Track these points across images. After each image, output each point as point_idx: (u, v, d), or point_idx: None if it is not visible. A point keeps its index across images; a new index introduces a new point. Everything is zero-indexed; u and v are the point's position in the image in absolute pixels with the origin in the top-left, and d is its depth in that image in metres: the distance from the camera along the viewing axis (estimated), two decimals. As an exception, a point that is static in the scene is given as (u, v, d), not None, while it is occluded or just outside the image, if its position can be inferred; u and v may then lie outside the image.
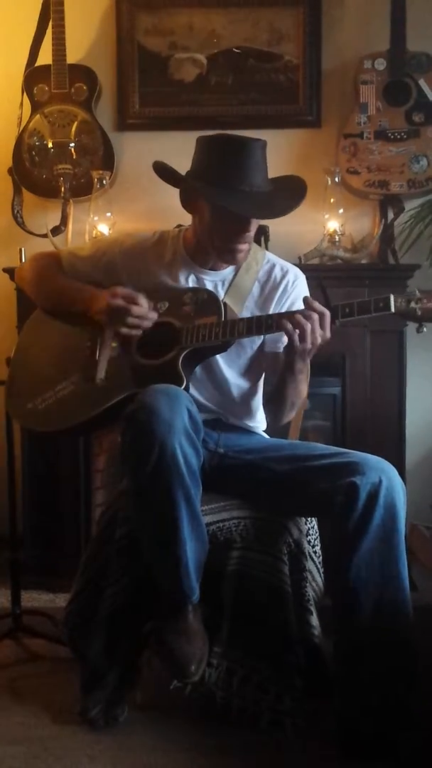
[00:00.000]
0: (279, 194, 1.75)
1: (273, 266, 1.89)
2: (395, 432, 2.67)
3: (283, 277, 1.88)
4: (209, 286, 1.85)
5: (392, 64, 2.74)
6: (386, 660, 1.55)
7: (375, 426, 2.66)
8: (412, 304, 1.63)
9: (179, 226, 1.99)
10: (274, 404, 1.90)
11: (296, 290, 1.87)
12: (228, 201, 1.67)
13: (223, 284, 1.85)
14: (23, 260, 2.68)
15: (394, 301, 1.63)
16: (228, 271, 1.86)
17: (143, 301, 1.74)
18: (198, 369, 1.80)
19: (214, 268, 1.85)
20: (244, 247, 1.77)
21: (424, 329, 1.64)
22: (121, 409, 1.62)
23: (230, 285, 1.85)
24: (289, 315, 1.67)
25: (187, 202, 1.80)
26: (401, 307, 1.63)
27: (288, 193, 1.77)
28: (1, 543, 2.22)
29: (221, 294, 1.83)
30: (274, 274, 1.88)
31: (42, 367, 1.87)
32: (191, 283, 1.84)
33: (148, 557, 1.62)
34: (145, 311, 1.74)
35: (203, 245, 1.81)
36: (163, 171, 1.82)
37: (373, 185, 2.76)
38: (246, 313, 1.82)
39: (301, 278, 1.91)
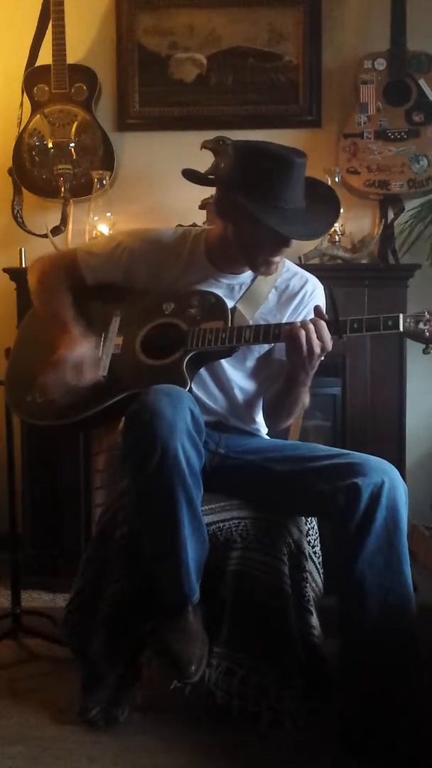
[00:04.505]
0: (316, 209, 1.72)
1: (293, 275, 1.88)
2: (395, 432, 2.67)
3: (302, 287, 1.86)
4: (225, 290, 1.82)
5: (392, 64, 2.74)
6: (390, 660, 1.55)
7: (375, 426, 2.66)
8: (421, 325, 1.61)
9: (179, 226, 1.98)
10: (272, 410, 1.89)
11: (313, 301, 1.84)
12: (276, 222, 1.62)
13: (240, 288, 1.83)
14: (23, 260, 2.69)
15: (403, 321, 1.61)
16: (246, 275, 1.84)
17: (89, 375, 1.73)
18: (201, 370, 1.80)
19: (233, 273, 1.83)
20: (278, 260, 1.76)
21: (431, 351, 1.63)
22: (122, 408, 1.61)
23: (247, 290, 1.83)
24: (294, 326, 1.65)
25: (225, 211, 1.75)
26: (409, 328, 1.61)
27: (323, 208, 1.74)
28: (1, 543, 2.22)
29: (236, 298, 1.82)
30: (292, 283, 1.86)
31: (42, 360, 1.84)
32: (210, 284, 1.82)
33: (149, 557, 1.62)
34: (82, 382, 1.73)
35: (233, 251, 1.78)
36: (195, 178, 1.80)
37: (373, 185, 2.76)
38: (258, 319, 1.81)
39: (320, 289, 1.88)
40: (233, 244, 1.76)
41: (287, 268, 1.89)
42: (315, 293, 1.87)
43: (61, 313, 1.83)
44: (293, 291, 1.86)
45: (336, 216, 1.81)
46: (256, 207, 1.62)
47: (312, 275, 1.91)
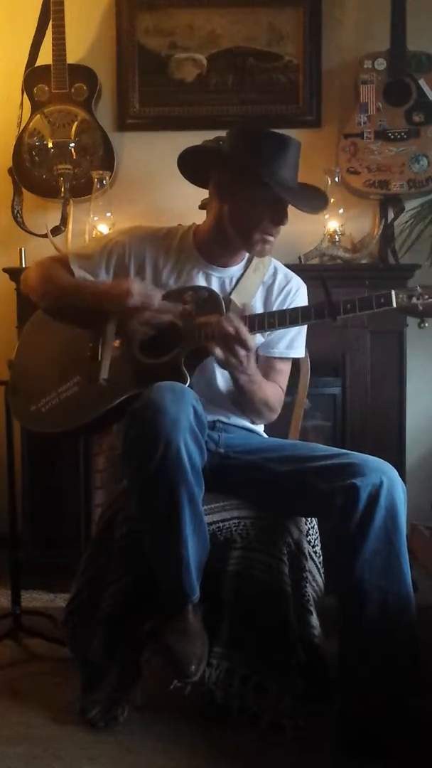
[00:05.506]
0: (306, 193, 1.80)
1: (278, 272, 1.91)
2: (395, 432, 2.67)
3: (287, 284, 1.90)
4: (216, 283, 1.85)
5: (392, 64, 2.74)
6: (390, 660, 1.55)
7: (375, 426, 2.66)
8: (414, 300, 1.63)
9: (180, 225, 1.99)
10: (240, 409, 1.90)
11: (297, 300, 1.90)
12: (281, 190, 1.69)
13: (230, 281, 1.86)
14: (23, 260, 2.69)
15: (396, 297, 1.63)
16: (236, 269, 1.87)
17: (158, 298, 1.74)
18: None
19: (223, 265, 1.86)
20: (273, 239, 1.78)
21: (426, 324, 1.64)
22: (125, 410, 1.61)
23: (237, 283, 1.85)
24: (294, 311, 1.70)
25: (223, 187, 1.78)
26: (403, 303, 1.63)
27: (313, 193, 1.83)
28: (1, 543, 2.22)
29: (228, 291, 1.84)
30: (278, 280, 1.90)
31: (44, 369, 1.86)
32: (200, 277, 1.85)
33: (150, 555, 1.61)
34: (160, 308, 1.74)
35: (227, 237, 1.80)
36: (194, 157, 1.81)
37: (373, 185, 2.76)
38: (250, 313, 1.82)
39: (303, 288, 1.92)
40: (228, 227, 1.78)
41: (274, 266, 1.92)
42: (299, 291, 1.91)
43: (81, 281, 1.84)
44: (279, 288, 1.89)
45: (326, 202, 1.89)
46: (258, 174, 1.69)
47: (295, 274, 1.95)
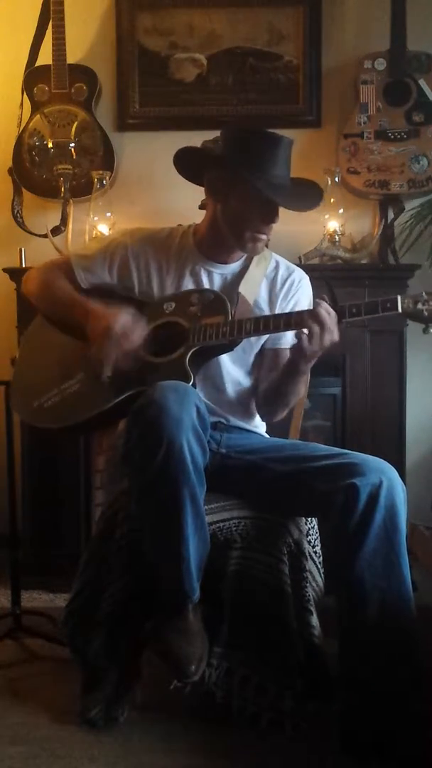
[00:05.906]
0: (300, 190, 1.81)
1: (280, 266, 1.93)
2: (395, 432, 2.67)
3: (289, 276, 1.91)
4: (218, 279, 1.86)
5: (392, 64, 2.74)
6: (390, 660, 1.55)
7: (375, 426, 2.66)
8: (419, 305, 1.63)
9: (179, 225, 1.99)
10: (271, 402, 1.90)
11: (300, 290, 1.91)
12: (264, 187, 1.70)
13: (231, 277, 1.87)
14: (23, 260, 2.69)
15: (402, 302, 1.63)
16: (237, 264, 1.88)
17: (137, 340, 1.73)
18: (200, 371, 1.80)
19: (223, 262, 1.87)
20: (265, 237, 1.80)
21: (431, 330, 1.64)
22: (128, 407, 1.61)
23: (241, 278, 1.86)
24: (299, 315, 1.68)
25: (215, 187, 1.81)
26: (408, 308, 1.63)
27: (307, 190, 1.84)
28: (1, 543, 2.22)
29: (232, 286, 1.84)
30: (280, 273, 1.91)
31: (47, 365, 1.87)
32: (203, 275, 1.86)
33: (150, 555, 1.61)
34: (134, 348, 1.73)
35: (222, 234, 1.81)
36: (189, 157, 1.83)
37: (373, 185, 2.76)
38: (254, 308, 1.85)
39: (306, 280, 1.94)
40: (222, 225, 1.80)
41: (275, 260, 1.93)
42: (302, 282, 1.92)
43: (75, 297, 1.85)
44: (282, 280, 1.90)
45: (320, 197, 1.89)
46: (246, 175, 1.71)
47: (297, 266, 1.96)
